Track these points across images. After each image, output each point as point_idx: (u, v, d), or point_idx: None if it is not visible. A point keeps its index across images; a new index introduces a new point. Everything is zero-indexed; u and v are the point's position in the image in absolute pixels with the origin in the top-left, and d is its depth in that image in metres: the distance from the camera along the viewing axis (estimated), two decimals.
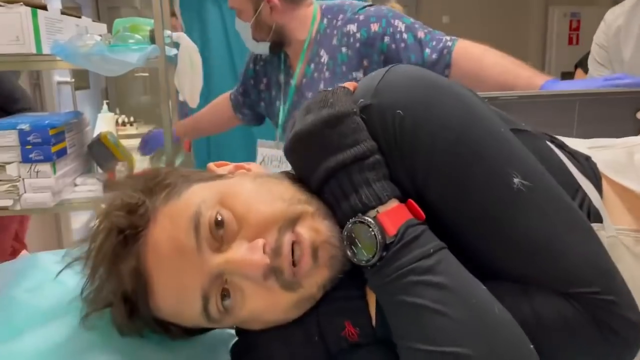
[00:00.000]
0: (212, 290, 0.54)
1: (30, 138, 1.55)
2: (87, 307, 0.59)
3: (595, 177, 0.68)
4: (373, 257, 0.52)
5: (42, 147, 1.56)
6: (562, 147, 0.71)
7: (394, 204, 0.54)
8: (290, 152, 0.59)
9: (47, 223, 2.25)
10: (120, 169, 1.78)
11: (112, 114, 3.06)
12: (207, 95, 3.38)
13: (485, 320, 0.49)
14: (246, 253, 0.53)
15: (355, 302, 0.57)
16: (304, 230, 0.55)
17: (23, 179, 1.58)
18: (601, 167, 0.71)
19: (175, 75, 1.98)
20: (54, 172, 1.61)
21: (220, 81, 3.08)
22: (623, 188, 0.68)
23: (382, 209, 0.53)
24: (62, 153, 1.67)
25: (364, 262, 0.53)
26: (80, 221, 3.22)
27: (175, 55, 1.96)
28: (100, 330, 0.60)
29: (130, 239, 0.55)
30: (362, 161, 0.54)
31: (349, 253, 0.55)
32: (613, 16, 1.69)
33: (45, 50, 1.61)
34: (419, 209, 0.54)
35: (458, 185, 0.54)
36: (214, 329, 0.65)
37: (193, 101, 2.16)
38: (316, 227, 0.56)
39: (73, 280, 0.67)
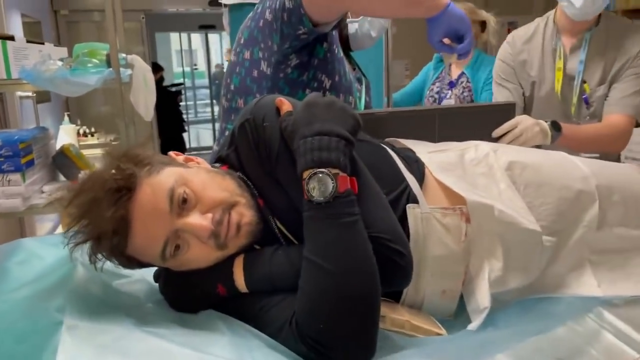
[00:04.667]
0: (171, 240, 0.79)
1: (2, 152, 1.79)
2: (72, 239, 0.80)
3: (419, 172, 0.99)
4: (324, 199, 0.77)
5: (12, 159, 1.81)
6: (399, 153, 1.01)
7: (345, 174, 0.79)
8: (316, 101, 0.84)
9: (13, 230, 2.44)
10: (82, 177, 2.01)
11: (74, 125, 3.20)
12: None
13: (367, 256, 0.77)
14: (200, 220, 0.80)
15: (224, 269, 0.84)
16: (235, 214, 0.83)
17: None
18: (432, 167, 1.01)
19: (131, 92, 2.23)
20: (24, 180, 1.85)
21: None
22: (440, 181, 0.98)
23: (341, 172, 0.78)
24: (30, 164, 1.91)
25: (320, 198, 0.77)
26: (45, 228, 3.41)
27: (130, 75, 2.21)
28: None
29: (121, 196, 0.78)
30: (348, 142, 0.81)
31: (308, 189, 0.77)
32: (519, 40, 1.80)
33: (14, 74, 1.85)
34: (356, 186, 0.81)
35: None
36: (155, 266, 0.89)
37: (148, 115, 2.41)
38: (244, 213, 0.84)
39: (51, 258, 0.93)
